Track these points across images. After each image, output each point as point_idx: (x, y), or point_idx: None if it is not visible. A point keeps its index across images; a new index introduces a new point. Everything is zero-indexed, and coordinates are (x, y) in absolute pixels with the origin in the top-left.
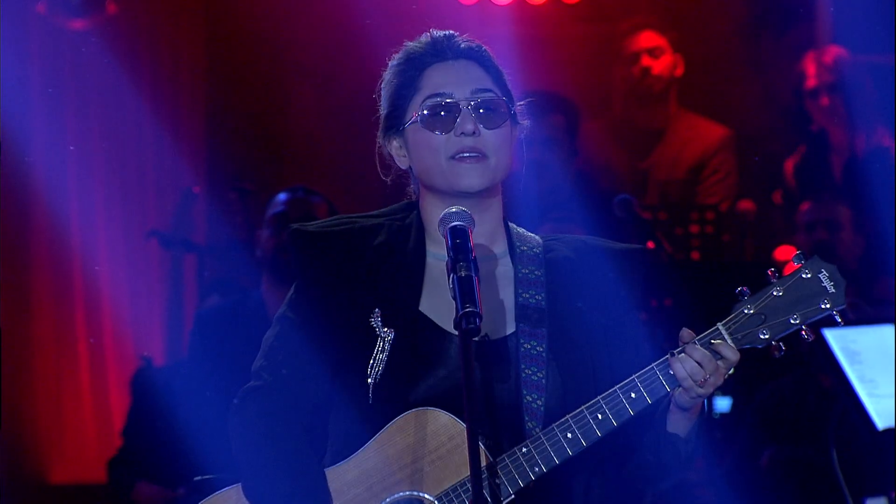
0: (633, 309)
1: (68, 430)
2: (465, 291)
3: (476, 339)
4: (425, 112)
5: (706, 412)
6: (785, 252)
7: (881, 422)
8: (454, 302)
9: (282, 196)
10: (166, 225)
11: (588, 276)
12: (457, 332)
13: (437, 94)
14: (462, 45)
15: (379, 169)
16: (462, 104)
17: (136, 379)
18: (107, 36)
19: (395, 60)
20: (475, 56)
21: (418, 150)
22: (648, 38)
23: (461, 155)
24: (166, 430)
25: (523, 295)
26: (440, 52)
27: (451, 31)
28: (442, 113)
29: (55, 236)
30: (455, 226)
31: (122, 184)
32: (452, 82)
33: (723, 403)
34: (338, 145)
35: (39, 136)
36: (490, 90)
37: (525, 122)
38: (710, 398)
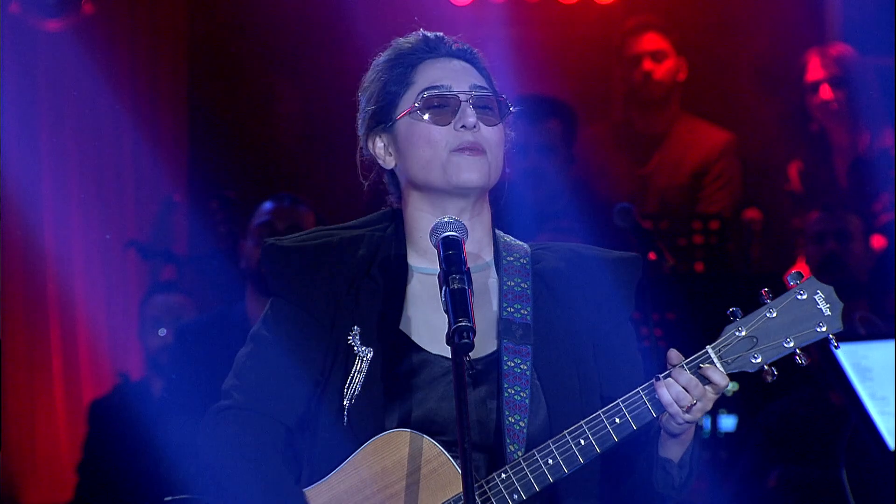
0: (627, 321)
1: (41, 450)
2: (458, 305)
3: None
4: (424, 103)
5: (703, 432)
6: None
7: (893, 441)
8: (444, 317)
9: (267, 205)
10: (145, 235)
11: (579, 288)
12: (434, 352)
13: (435, 87)
14: (454, 46)
15: (360, 171)
16: (462, 97)
17: (94, 407)
18: (83, 37)
19: (382, 58)
20: (468, 57)
21: (413, 143)
22: (651, 41)
23: (461, 147)
24: (136, 456)
25: (508, 309)
26: (433, 48)
27: (441, 33)
28: (441, 105)
29: (27, 247)
30: (448, 236)
31: (98, 192)
32: (450, 76)
33: (728, 422)
34: (326, 152)
35: (11, 142)
36: (486, 88)
37: (511, 133)
38: (714, 417)
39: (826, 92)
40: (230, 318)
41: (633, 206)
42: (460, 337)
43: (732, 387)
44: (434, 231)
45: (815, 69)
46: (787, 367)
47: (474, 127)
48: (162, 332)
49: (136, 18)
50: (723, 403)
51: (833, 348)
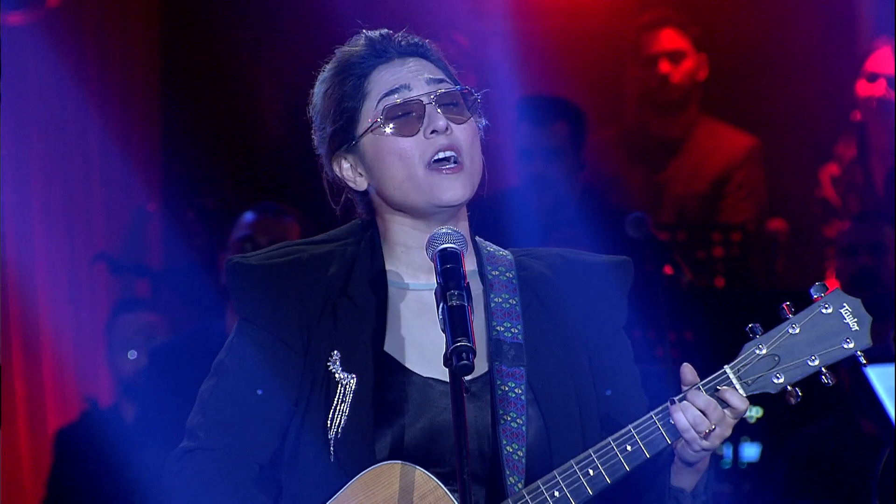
0: (620, 330)
1: (3, 482)
2: (456, 323)
3: (446, 380)
4: (386, 114)
5: (723, 462)
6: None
7: None
8: (432, 335)
9: (248, 216)
10: (116, 248)
11: (568, 297)
12: (424, 375)
13: (393, 91)
14: (403, 43)
15: (329, 196)
16: (424, 99)
17: (62, 436)
18: (48, 32)
19: (328, 72)
20: (420, 52)
21: (384, 161)
22: (669, 39)
23: (438, 158)
24: (106, 490)
25: (498, 328)
26: (382, 51)
27: (387, 30)
28: (405, 113)
29: None
30: (446, 248)
31: (65, 200)
32: (406, 77)
33: (751, 451)
34: (312, 157)
35: None
36: (447, 81)
37: (483, 121)
38: (736, 445)
39: (881, 87)
40: (208, 338)
41: (648, 215)
42: (459, 358)
43: (756, 413)
44: (430, 243)
45: (880, 60)
46: (814, 391)
47: (446, 130)
48: (132, 354)
49: (106, 12)
50: (746, 431)
51: (861, 366)
